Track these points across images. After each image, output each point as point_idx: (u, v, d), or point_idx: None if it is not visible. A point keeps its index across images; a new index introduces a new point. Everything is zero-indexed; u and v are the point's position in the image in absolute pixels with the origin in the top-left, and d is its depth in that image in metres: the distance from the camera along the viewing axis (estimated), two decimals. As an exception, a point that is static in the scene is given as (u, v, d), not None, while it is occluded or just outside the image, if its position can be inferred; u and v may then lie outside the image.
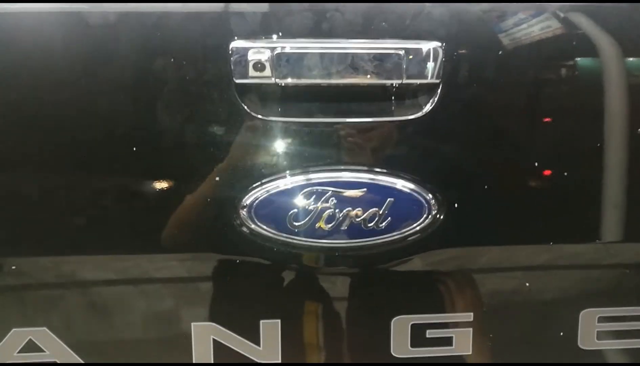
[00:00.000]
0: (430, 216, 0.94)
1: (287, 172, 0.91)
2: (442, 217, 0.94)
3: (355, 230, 0.92)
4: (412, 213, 0.94)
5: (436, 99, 0.91)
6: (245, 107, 0.89)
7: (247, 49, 0.87)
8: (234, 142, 0.90)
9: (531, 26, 0.92)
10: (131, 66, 0.88)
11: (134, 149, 0.90)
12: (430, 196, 0.94)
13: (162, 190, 0.92)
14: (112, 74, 0.88)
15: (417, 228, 0.94)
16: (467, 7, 0.91)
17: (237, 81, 0.88)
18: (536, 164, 0.93)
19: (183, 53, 0.88)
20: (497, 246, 1.00)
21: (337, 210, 0.91)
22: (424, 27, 0.91)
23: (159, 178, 0.92)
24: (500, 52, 0.92)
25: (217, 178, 0.91)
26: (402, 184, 0.93)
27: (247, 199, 0.91)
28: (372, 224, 0.92)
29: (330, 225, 0.91)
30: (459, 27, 0.92)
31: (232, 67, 0.87)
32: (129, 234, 0.93)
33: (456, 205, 0.95)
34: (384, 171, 0.93)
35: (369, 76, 0.90)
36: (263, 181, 0.91)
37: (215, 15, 0.88)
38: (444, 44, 0.90)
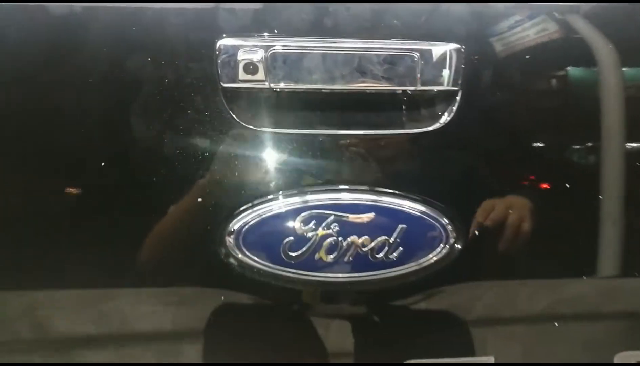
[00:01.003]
0: (447, 246, 0.81)
1: (282, 193, 0.78)
2: (460, 246, 0.81)
3: (362, 262, 0.78)
4: (427, 242, 0.80)
5: (454, 109, 0.79)
6: (234, 116, 0.76)
7: (236, 48, 0.74)
8: (219, 157, 0.76)
9: (563, 26, 0.80)
10: (99, 66, 0.75)
11: (102, 164, 0.76)
12: (447, 221, 0.80)
13: (133, 213, 0.77)
14: (75, 76, 0.74)
15: (433, 259, 0.80)
16: (490, 4, 0.79)
17: (225, 86, 0.75)
18: (574, 185, 0.81)
19: (161, 52, 0.75)
20: (524, 280, 0.86)
21: (340, 238, 0.77)
22: (441, 27, 0.79)
23: (131, 199, 0.78)
24: (527, 56, 0.80)
25: (200, 199, 0.77)
26: (416, 208, 0.80)
27: (235, 224, 0.77)
28: (381, 254, 0.78)
29: (332, 256, 0.78)
30: (481, 26, 0.80)
31: (219, 69, 0.74)
32: (93, 266, 0.78)
33: (477, 232, 0.81)
34: (395, 192, 0.80)
35: (378, 82, 0.77)
36: (254, 203, 0.78)
37: (200, 9, 0.75)
38: (463, 46, 0.78)
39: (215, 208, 0.77)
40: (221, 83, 0.75)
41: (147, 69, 0.74)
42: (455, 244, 0.81)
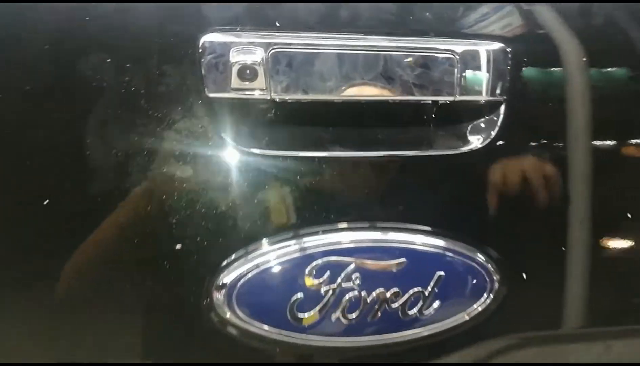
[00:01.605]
0: (492, 293, 0.65)
1: (288, 234, 0.60)
2: (508, 293, 0.65)
3: (391, 320, 0.62)
4: (469, 291, 0.64)
5: (499, 123, 0.63)
6: (224, 136, 0.58)
7: (227, 46, 0.56)
8: (204, 189, 0.58)
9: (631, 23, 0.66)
10: (44, 69, 0.55)
11: (45, 202, 0.56)
12: (491, 264, 0.64)
13: (92, 259, 0.58)
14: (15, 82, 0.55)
15: (478, 310, 0.64)
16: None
17: (211, 96, 0.56)
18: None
19: (126, 52, 0.56)
20: (578, 331, 0.71)
21: (363, 292, 0.60)
22: (484, 23, 0.63)
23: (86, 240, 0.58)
24: (584, 58, 0.65)
25: (179, 246, 0.58)
26: (455, 249, 0.63)
27: (226, 277, 0.59)
28: (414, 310, 0.62)
29: (353, 315, 0.60)
30: (532, 23, 0.64)
31: (204, 73, 0.56)
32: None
33: (525, 275, 0.66)
34: (429, 229, 0.63)
35: (407, 90, 0.60)
36: (249, 249, 0.59)
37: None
38: (511, 47, 0.62)
39: (198, 255, 0.59)
40: (206, 93, 0.56)
41: (102, 74, 0.55)
42: (501, 290, 0.65)
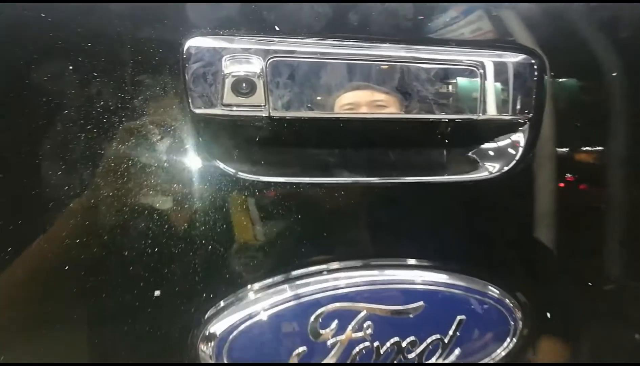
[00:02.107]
0: (517, 335, 0.57)
1: (286, 276, 0.51)
2: (532, 334, 0.57)
3: (407, 373, 0.53)
4: (491, 335, 0.56)
5: (525, 145, 0.56)
6: (214, 159, 0.48)
7: (218, 53, 0.46)
8: (188, 222, 0.48)
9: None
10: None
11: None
12: (515, 303, 0.57)
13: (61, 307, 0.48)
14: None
15: (501, 354, 0.56)
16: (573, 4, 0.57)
17: (198, 112, 0.47)
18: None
19: (92, 59, 0.45)
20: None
21: (376, 343, 0.51)
22: (509, 31, 0.55)
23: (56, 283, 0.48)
24: (615, 74, 0.58)
25: (157, 293, 0.48)
26: (477, 289, 0.55)
27: (214, 327, 0.49)
28: (433, 360, 0.53)
29: (365, 369, 0.51)
30: (562, 32, 0.57)
31: (190, 86, 0.46)
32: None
33: (549, 314, 0.59)
34: (446, 268, 0.55)
35: (426, 107, 0.52)
36: (239, 294, 0.50)
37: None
38: (539, 58, 0.55)
39: (180, 303, 0.49)
40: (192, 109, 0.47)
41: (64, 85, 0.45)
42: (525, 332, 0.58)
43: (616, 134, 0.58)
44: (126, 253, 0.48)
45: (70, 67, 0.45)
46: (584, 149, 0.58)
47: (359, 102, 0.50)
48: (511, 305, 0.57)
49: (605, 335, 0.62)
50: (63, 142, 0.45)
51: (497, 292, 0.56)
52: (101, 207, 0.46)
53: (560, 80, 0.57)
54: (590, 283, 0.60)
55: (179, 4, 0.47)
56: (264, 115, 0.48)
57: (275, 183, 0.50)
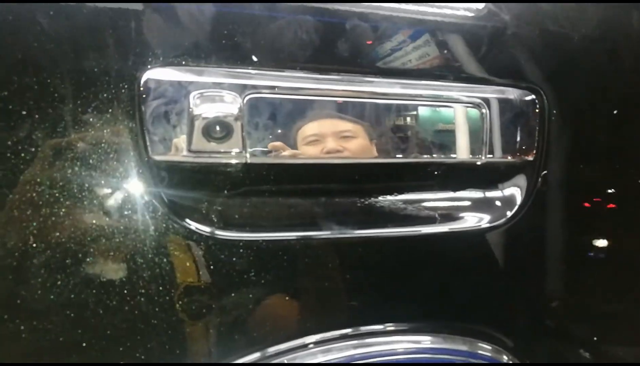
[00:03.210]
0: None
1: (264, 353, 0.43)
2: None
3: None
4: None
5: (533, 190, 0.50)
6: (180, 218, 0.39)
7: (183, 88, 0.38)
8: (148, 290, 0.39)
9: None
10: None
11: None
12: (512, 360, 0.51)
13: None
14: None
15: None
16: (575, 34, 0.52)
17: (157, 159, 0.38)
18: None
19: (31, 90, 0.36)
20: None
21: None
22: (510, 63, 0.50)
23: None
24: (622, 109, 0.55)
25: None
26: (476, 352, 0.49)
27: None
28: None
29: None
30: (568, 63, 0.52)
31: (148, 128, 0.37)
32: None
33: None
34: (445, 327, 0.49)
35: (424, 150, 0.46)
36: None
37: (110, 12, 0.38)
38: (544, 94, 0.50)
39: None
40: (150, 155, 0.38)
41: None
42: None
43: (621, 174, 0.54)
44: (79, 324, 0.38)
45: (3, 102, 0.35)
46: (608, 191, 0.54)
47: (323, 132, 0.43)
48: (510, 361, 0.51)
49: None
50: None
51: (492, 350, 0.50)
52: (40, 272, 0.36)
53: (576, 116, 0.52)
54: (598, 337, 0.56)
55: (135, 27, 0.38)
56: (240, 162, 0.40)
57: (250, 241, 0.42)
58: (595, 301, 0.54)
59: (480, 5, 0.49)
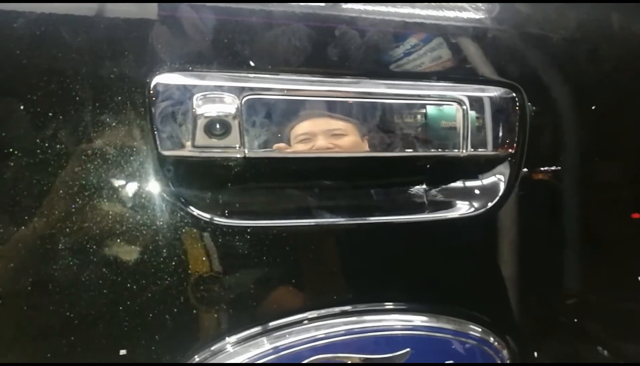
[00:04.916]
0: (505, 377, 0.55)
1: (263, 327, 0.47)
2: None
3: (394, 427, 0.50)
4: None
5: (513, 181, 0.54)
6: (185, 205, 0.44)
7: (188, 91, 0.43)
8: (157, 272, 0.44)
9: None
10: None
11: None
12: (503, 344, 0.55)
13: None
14: None
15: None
16: (554, 35, 0.56)
17: (166, 154, 0.43)
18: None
19: (48, 95, 0.41)
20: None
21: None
22: (489, 62, 0.54)
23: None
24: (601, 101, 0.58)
25: (123, 352, 0.44)
26: (463, 331, 0.53)
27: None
28: (421, 410, 0.51)
29: (350, 425, 0.48)
30: (547, 60, 0.56)
31: (157, 126, 0.42)
32: None
33: (536, 353, 0.57)
34: (432, 310, 0.53)
35: (405, 144, 0.50)
36: (214, 348, 0.46)
37: (119, 19, 0.43)
38: (522, 91, 0.54)
39: (152, 359, 0.45)
40: (159, 150, 0.43)
41: (18, 126, 0.40)
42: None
43: (598, 166, 0.58)
44: (87, 308, 0.43)
45: (21, 107, 0.41)
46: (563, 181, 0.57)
47: (314, 131, 0.47)
48: (497, 344, 0.55)
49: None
50: (12, 192, 0.40)
51: (481, 332, 0.54)
52: (59, 259, 0.42)
53: (553, 111, 0.56)
54: (575, 318, 0.59)
55: (145, 36, 0.43)
56: (238, 156, 0.45)
57: (251, 228, 0.47)
58: (577, 284, 0.58)
59: (463, 7, 0.53)
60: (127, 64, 0.43)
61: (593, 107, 0.58)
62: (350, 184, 0.52)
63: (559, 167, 0.57)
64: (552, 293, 0.58)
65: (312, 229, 0.49)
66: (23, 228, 0.41)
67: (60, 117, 0.42)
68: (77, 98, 0.42)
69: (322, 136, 0.47)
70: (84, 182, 0.42)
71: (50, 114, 0.41)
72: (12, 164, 0.41)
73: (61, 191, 0.42)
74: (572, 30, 0.57)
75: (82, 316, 0.43)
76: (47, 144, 0.41)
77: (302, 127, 0.46)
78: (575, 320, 0.59)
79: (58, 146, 0.41)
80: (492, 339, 0.55)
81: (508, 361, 0.56)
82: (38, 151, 0.41)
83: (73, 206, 0.42)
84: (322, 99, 0.47)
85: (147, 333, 0.45)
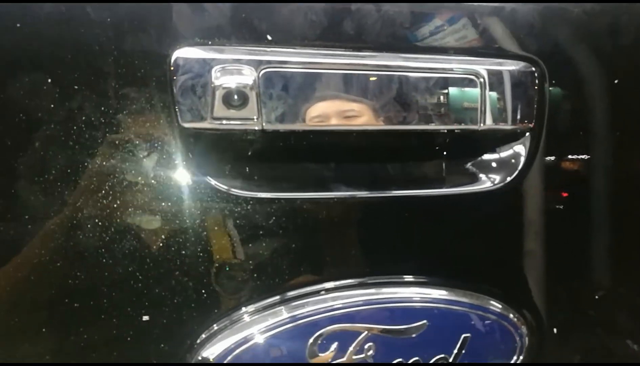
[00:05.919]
0: (524, 353, 0.55)
1: (283, 296, 0.48)
2: (540, 351, 0.55)
3: (411, 396, 0.50)
4: (498, 353, 0.54)
5: (530, 156, 0.54)
6: (204, 175, 0.46)
7: (207, 64, 0.44)
8: (177, 242, 0.45)
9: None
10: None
11: None
12: (522, 319, 0.55)
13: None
14: None
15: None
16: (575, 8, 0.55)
17: (186, 126, 0.44)
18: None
19: (73, 71, 0.43)
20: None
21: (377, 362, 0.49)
22: (508, 38, 0.54)
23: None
24: (617, 80, 0.57)
25: (146, 317, 0.45)
26: (481, 306, 0.53)
27: (207, 351, 0.47)
28: (437, 381, 0.51)
29: (367, 393, 0.49)
30: (567, 34, 0.55)
31: (178, 99, 0.44)
32: None
33: (556, 329, 0.57)
34: (450, 283, 0.53)
35: (422, 119, 0.50)
36: (233, 317, 0.47)
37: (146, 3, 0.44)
38: (541, 65, 0.53)
39: (173, 326, 0.46)
40: (180, 123, 0.44)
41: (43, 99, 0.42)
42: (533, 350, 0.55)
43: (618, 142, 0.57)
44: (111, 276, 0.45)
45: (49, 80, 0.42)
46: (584, 157, 0.57)
47: (327, 113, 0.48)
48: (516, 320, 0.55)
49: (610, 346, 0.60)
50: (42, 160, 0.42)
51: (500, 307, 0.54)
52: (84, 227, 0.44)
53: (572, 87, 0.55)
54: (596, 295, 0.59)
55: (165, 12, 0.45)
56: (256, 128, 0.46)
57: (269, 199, 0.48)
58: (599, 266, 0.57)
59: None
60: (148, 39, 0.44)
61: (616, 81, 0.57)
62: (367, 158, 0.53)
63: (582, 144, 0.56)
64: (573, 275, 0.57)
65: (332, 201, 0.50)
66: (50, 198, 0.43)
67: (86, 91, 0.43)
68: (102, 72, 0.43)
69: (335, 118, 0.48)
70: (107, 155, 0.44)
71: (76, 87, 0.43)
72: (41, 134, 0.43)
73: (87, 163, 0.44)
74: (593, 3, 0.56)
75: (107, 283, 0.45)
76: (75, 117, 0.43)
77: (316, 109, 0.47)
78: (597, 297, 0.58)
79: (84, 117, 0.43)
80: (511, 315, 0.55)
81: (527, 339, 0.56)
82: (67, 122, 0.43)
83: (97, 178, 0.44)
84: (338, 72, 0.47)
85: (169, 301, 0.46)
